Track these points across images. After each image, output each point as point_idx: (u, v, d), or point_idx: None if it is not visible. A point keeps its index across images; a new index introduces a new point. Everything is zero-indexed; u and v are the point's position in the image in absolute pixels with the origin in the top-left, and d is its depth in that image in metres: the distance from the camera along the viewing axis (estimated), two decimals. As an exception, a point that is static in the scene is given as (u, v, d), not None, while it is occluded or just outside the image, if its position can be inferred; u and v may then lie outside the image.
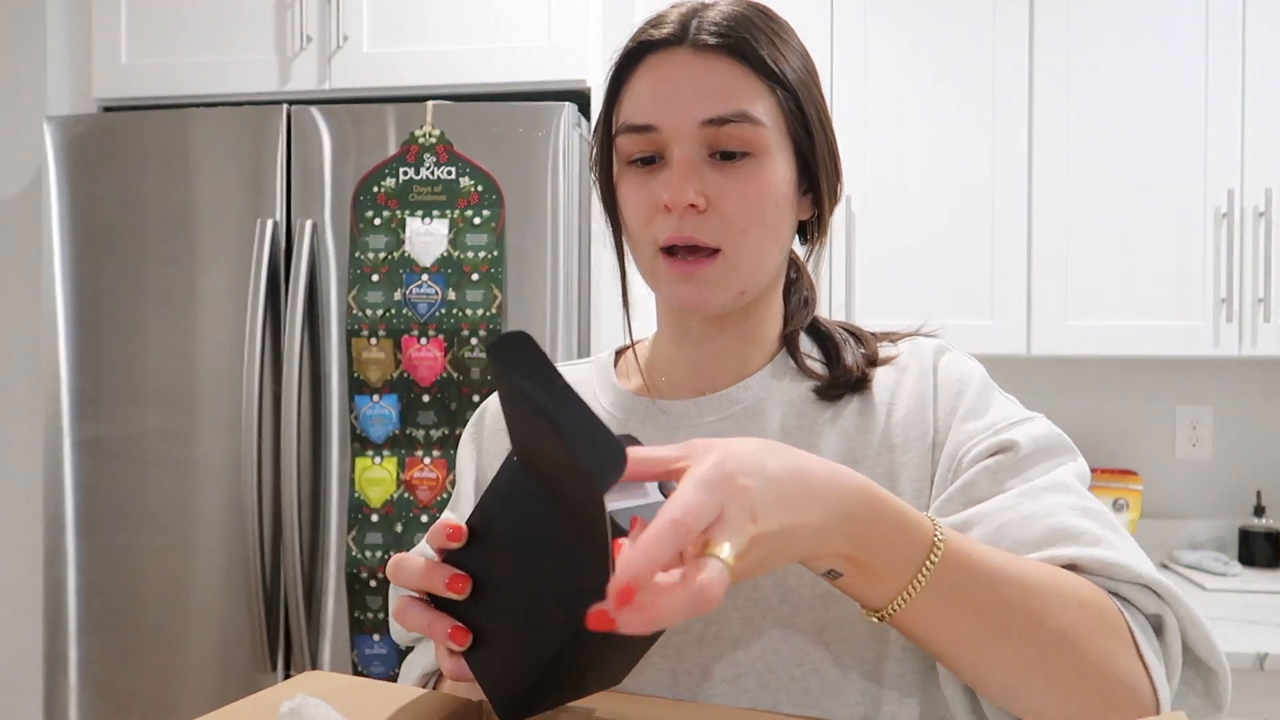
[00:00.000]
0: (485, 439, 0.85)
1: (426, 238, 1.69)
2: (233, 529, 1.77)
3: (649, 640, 0.57)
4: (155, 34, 1.93)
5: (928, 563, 0.56)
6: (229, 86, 1.91)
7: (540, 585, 0.53)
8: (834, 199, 0.78)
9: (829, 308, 2.07)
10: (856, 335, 0.82)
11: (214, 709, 0.59)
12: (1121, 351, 2.02)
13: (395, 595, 0.80)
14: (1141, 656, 0.59)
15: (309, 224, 1.74)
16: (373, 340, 1.70)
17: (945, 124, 2.08)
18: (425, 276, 1.69)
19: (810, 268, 0.82)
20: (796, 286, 0.83)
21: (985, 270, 2.06)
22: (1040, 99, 2.04)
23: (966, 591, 0.57)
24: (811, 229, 0.79)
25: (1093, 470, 2.22)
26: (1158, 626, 0.63)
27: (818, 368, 0.78)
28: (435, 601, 0.58)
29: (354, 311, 1.71)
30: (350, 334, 1.71)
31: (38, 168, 2.01)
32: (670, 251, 0.71)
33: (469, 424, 0.88)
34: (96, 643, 1.82)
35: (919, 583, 0.56)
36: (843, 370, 0.76)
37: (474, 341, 1.68)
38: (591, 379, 0.84)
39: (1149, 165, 2.02)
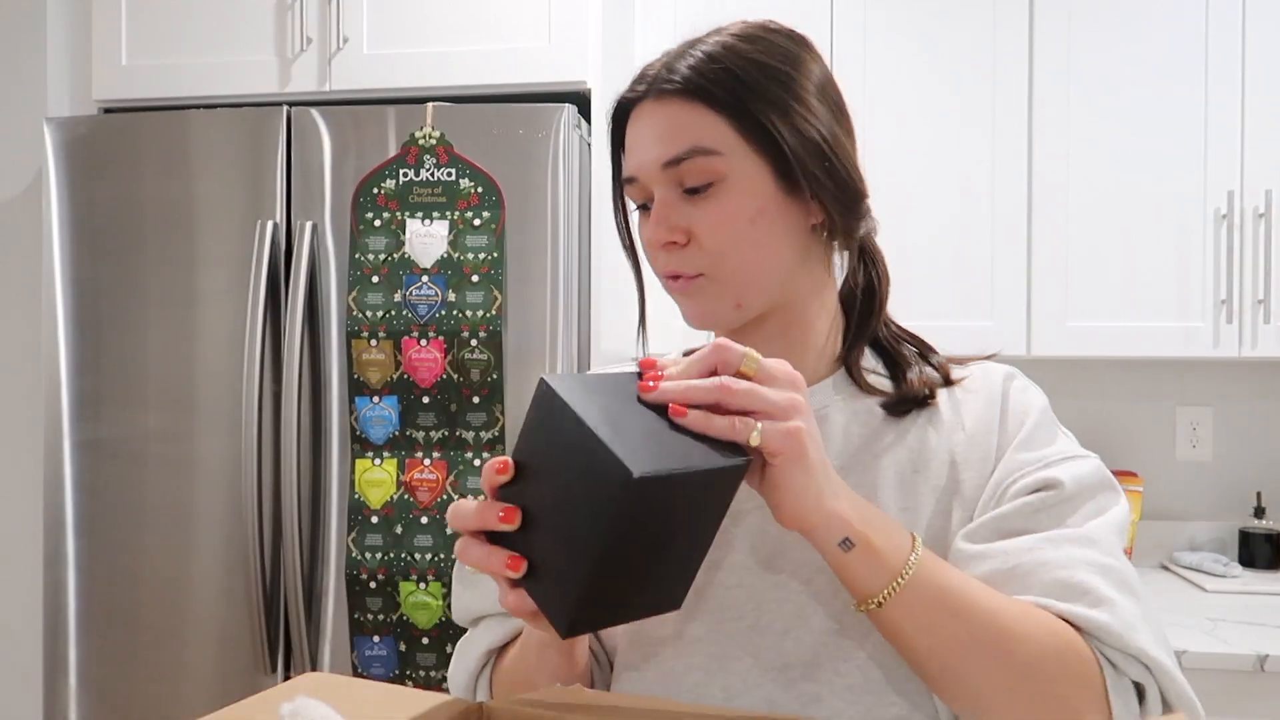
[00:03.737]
0: None
1: (426, 239, 1.69)
2: (233, 530, 1.77)
3: (690, 552, 0.61)
4: (155, 35, 1.93)
5: (909, 563, 0.63)
6: (229, 88, 1.91)
7: (575, 500, 0.57)
8: (843, 195, 0.75)
9: (829, 309, 2.08)
10: (926, 353, 0.82)
11: (214, 710, 0.59)
12: (1121, 353, 2.02)
13: (458, 575, 0.86)
14: (1111, 714, 0.64)
15: (309, 225, 1.74)
16: (373, 342, 1.70)
17: (945, 125, 2.08)
18: (425, 278, 1.69)
19: (840, 272, 0.82)
20: (870, 304, 0.82)
21: (985, 271, 2.06)
22: (1040, 100, 2.04)
23: (936, 607, 0.63)
24: (834, 231, 0.78)
25: (1093, 471, 2.22)
26: (1141, 694, 0.67)
27: (883, 384, 0.79)
28: (492, 539, 0.61)
29: (354, 313, 1.71)
30: (350, 335, 1.71)
31: (38, 169, 2.01)
32: (675, 278, 0.76)
33: None
34: (96, 644, 1.82)
35: (900, 582, 0.63)
36: (909, 387, 0.77)
37: (474, 343, 1.68)
38: None
39: (1149, 166, 2.02)
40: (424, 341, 1.68)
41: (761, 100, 0.72)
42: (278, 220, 1.77)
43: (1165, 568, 2.24)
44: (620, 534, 0.56)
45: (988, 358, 0.83)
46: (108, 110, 1.99)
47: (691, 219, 0.73)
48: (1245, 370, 2.30)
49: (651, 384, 0.59)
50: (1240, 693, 1.67)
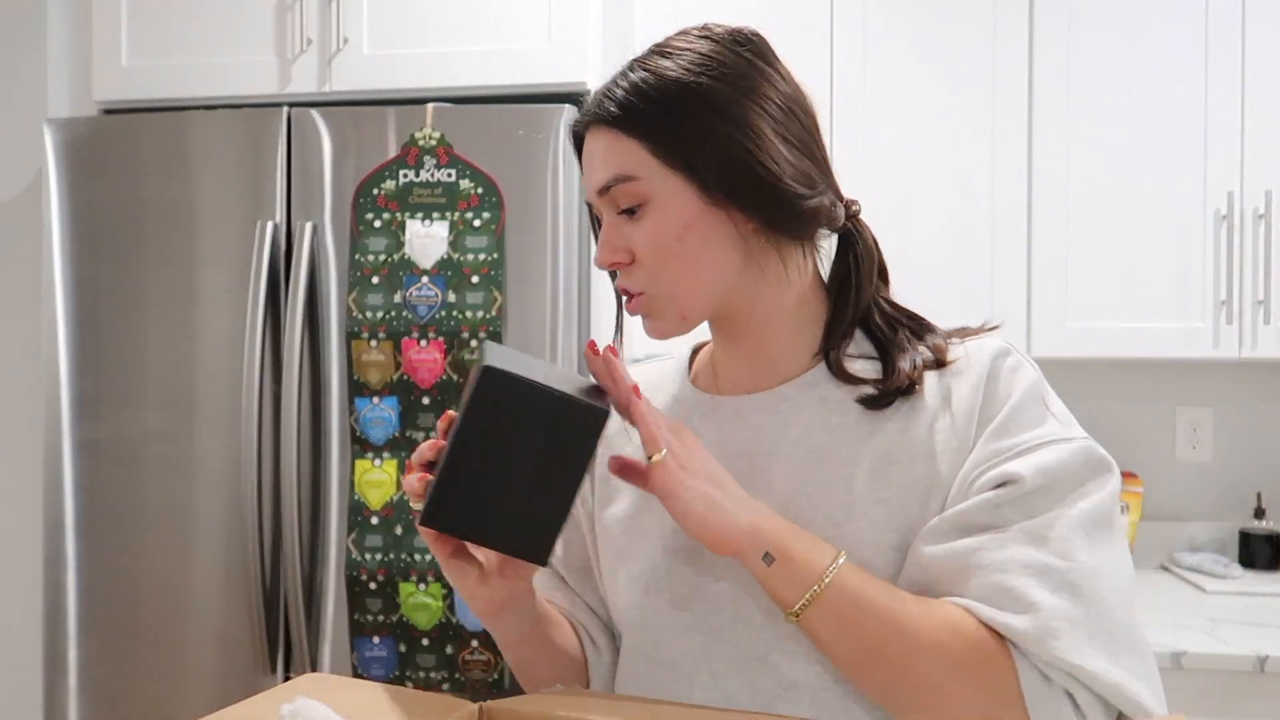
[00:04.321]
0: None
1: (426, 240, 1.69)
2: (232, 531, 1.77)
3: (548, 497, 0.70)
4: (155, 36, 1.94)
5: (826, 573, 0.68)
6: (229, 89, 1.91)
7: (462, 408, 0.71)
8: (769, 199, 0.75)
9: (829, 310, 2.07)
10: (920, 333, 0.82)
11: (214, 711, 0.59)
12: (1121, 353, 2.02)
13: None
14: (1021, 691, 0.67)
15: (309, 226, 1.74)
16: (373, 342, 1.70)
17: (945, 125, 2.08)
18: (425, 279, 1.69)
19: (793, 269, 0.81)
20: (846, 292, 0.82)
21: (985, 271, 2.06)
22: (1040, 100, 2.04)
23: (849, 617, 0.68)
24: (776, 232, 0.79)
25: (1093, 472, 2.22)
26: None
27: (869, 371, 0.79)
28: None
29: (354, 314, 1.71)
30: (350, 336, 1.71)
31: (38, 170, 2.01)
32: (627, 296, 0.82)
33: None
34: (96, 644, 1.82)
35: (817, 589, 0.68)
36: (890, 379, 0.77)
37: (474, 344, 1.68)
38: (670, 375, 0.91)
39: (1149, 167, 2.02)
40: (424, 342, 1.68)
41: (675, 123, 0.75)
42: (278, 221, 1.77)
43: (1165, 568, 2.24)
44: (476, 428, 0.69)
45: (992, 329, 0.84)
46: (108, 111, 1.99)
47: (631, 239, 0.77)
48: (1245, 371, 2.30)
49: (600, 360, 0.72)
50: (1240, 693, 1.67)
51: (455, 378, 1.68)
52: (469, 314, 1.68)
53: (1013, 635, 0.67)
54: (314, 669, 1.76)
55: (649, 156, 0.75)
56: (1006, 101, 2.05)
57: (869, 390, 0.78)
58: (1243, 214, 1.99)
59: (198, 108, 1.87)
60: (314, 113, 1.77)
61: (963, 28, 2.07)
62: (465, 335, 1.67)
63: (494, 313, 1.67)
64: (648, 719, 0.64)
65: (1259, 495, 2.23)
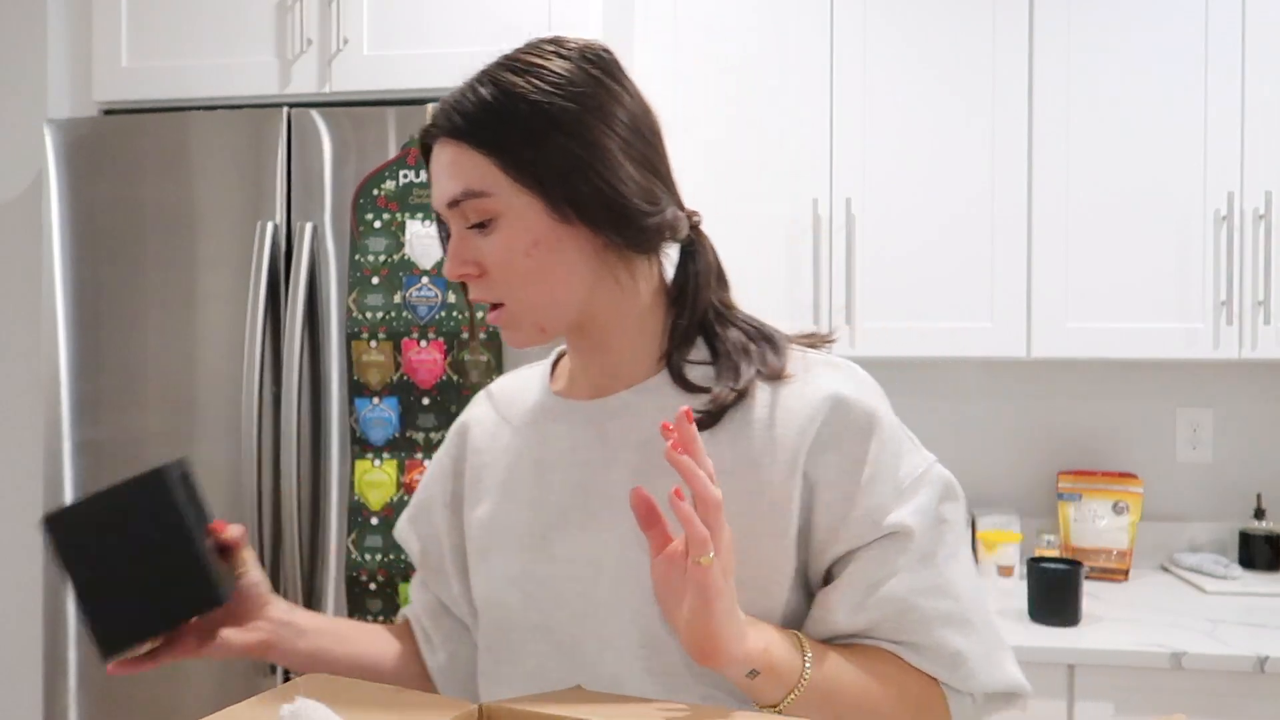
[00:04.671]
0: (447, 445, 0.97)
1: (427, 240, 1.69)
2: (232, 531, 1.77)
3: (174, 559, 0.80)
4: (156, 37, 1.94)
5: (803, 676, 0.73)
6: (229, 89, 1.91)
7: None
8: (614, 216, 0.78)
9: (829, 309, 2.08)
10: (760, 341, 0.84)
11: (214, 711, 0.59)
12: (1122, 354, 2.02)
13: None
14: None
15: (309, 227, 1.74)
16: (373, 343, 1.70)
17: (945, 126, 2.08)
18: (425, 279, 1.69)
19: (641, 280, 0.84)
20: (684, 300, 0.85)
21: (985, 273, 2.06)
22: (1040, 100, 2.04)
23: (825, 706, 0.74)
24: (624, 246, 0.81)
25: (1093, 473, 2.22)
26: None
27: (707, 378, 0.83)
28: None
29: (354, 314, 1.71)
30: (350, 337, 1.71)
31: (38, 170, 2.01)
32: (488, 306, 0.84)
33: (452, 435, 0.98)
34: (96, 645, 1.82)
35: (796, 693, 0.73)
36: (717, 396, 0.80)
37: (475, 345, 1.68)
38: (534, 380, 0.94)
39: (1149, 167, 2.02)
40: (424, 343, 1.68)
41: (525, 142, 0.76)
42: (278, 221, 1.77)
43: (1165, 569, 2.24)
44: (80, 566, 0.78)
45: (822, 340, 0.88)
46: (108, 112, 1.99)
47: (480, 253, 0.79)
48: (1245, 371, 2.30)
49: (677, 446, 0.68)
50: (1240, 694, 1.67)
51: (455, 378, 1.68)
52: (468, 315, 1.67)
53: (943, 679, 0.80)
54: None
55: (499, 173, 0.77)
56: (1006, 102, 2.05)
57: (701, 407, 0.80)
58: (1243, 214, 1.99)
59: (198, 108, 1.87)
60: (314, 113, 1.77)
61: (963, 28, 2.07)
62: (465, 336, 1.67)
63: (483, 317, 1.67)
64: (647, 719, 0.64)
65: (1259, 496, 2.23)
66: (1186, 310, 2.01)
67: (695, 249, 0.86)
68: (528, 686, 0.83)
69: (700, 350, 0.84)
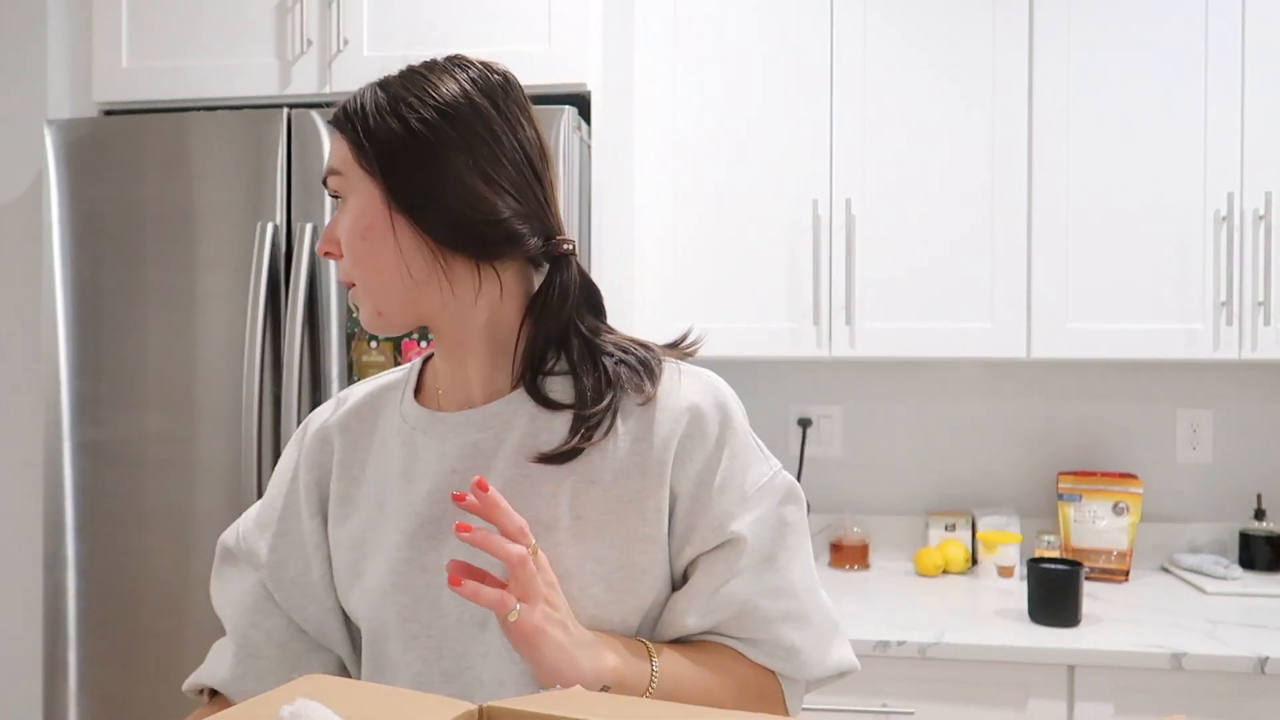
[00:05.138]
0: (305, 453, 0.96)
1: (427, 241, 1.69)
2: (232, 532, 1.77)
3: None
4: (156, 38, 1.94)
5: (652, 680, 0.81)
6: (229, 90, 1.91)
7: None
8: (445, 230, 0.82)
9: (828, 310, 2.07)
10: (632, 367, 0.86)
11: (214, 713, 0.59)
12: (1121, 355, 2.02)
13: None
14: (786, 706, 0.90)
15: (309, 227, 1.74)
16: (373, 343, 1.70)
17: (946, 127, 2.08)
18: (425, 280, 1.69)
19: (488, 289, 0.87)
20: (538, 315, 0.88)
21: (985, 273, 2.06)
22: (1040, 101, 2.04)
23: (676, 697, 0.82)
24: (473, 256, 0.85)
25: (1093, 473, 2.22)
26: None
27: (566, 394, 0.86)
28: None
29: (354, 314, 1.71)
30: (350, 337, 1.71)
31: (38, 171, 2.01)
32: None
33: (298, 432, 0.99)
34: (96, 646, 1.82)
35: (649, 694, 0.80)
36: (569, 441, 0.84)
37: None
38: (395, 388, 0.96)
39: (1148, 168, 2.02)
40: (424, 343, 1.68)
41: (375, 137, 0.83)
42: (278, 222, 1.77)
43: (1165, 570, 2.24)
44: None
45: (686, 351, 0.91)
46: (108, 112, 1.99)
47: (337, 230, 0.86)
48: (1245, 372, 2.30)
49: (469, 504, 0.75)
50: (1241, 695, 1.67)
51: (455, 379, 1.68)
52: (469, 315, 1.68)
53: (781, 671, 0.88)
54: (314, 670, 1.75)
55: (351, 158, 0.84)
56: (1006, 102, 2.06)
57: (554, 449, 0.84)
58: (1243, 215, 1.99)
59: (198, 109, 1.87)
60: (314, 114, 1.77)
61: (963, 28, 2.07)
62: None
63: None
64: (648, 719, 0.64)
65: (1259, 496, 2.23)
66: (1187, 311, 2.01)
67: (559, 272, 0.88)
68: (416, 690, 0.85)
69: (562, 370, 0.87)
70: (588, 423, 0.83)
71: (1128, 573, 2.13)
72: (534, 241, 0.86)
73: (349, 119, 0.85)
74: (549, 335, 0.87)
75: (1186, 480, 2.31)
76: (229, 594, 0.96)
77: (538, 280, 0.90)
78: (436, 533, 0.86)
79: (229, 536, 0.97)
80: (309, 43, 1.87)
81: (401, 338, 1.69)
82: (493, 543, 0.74)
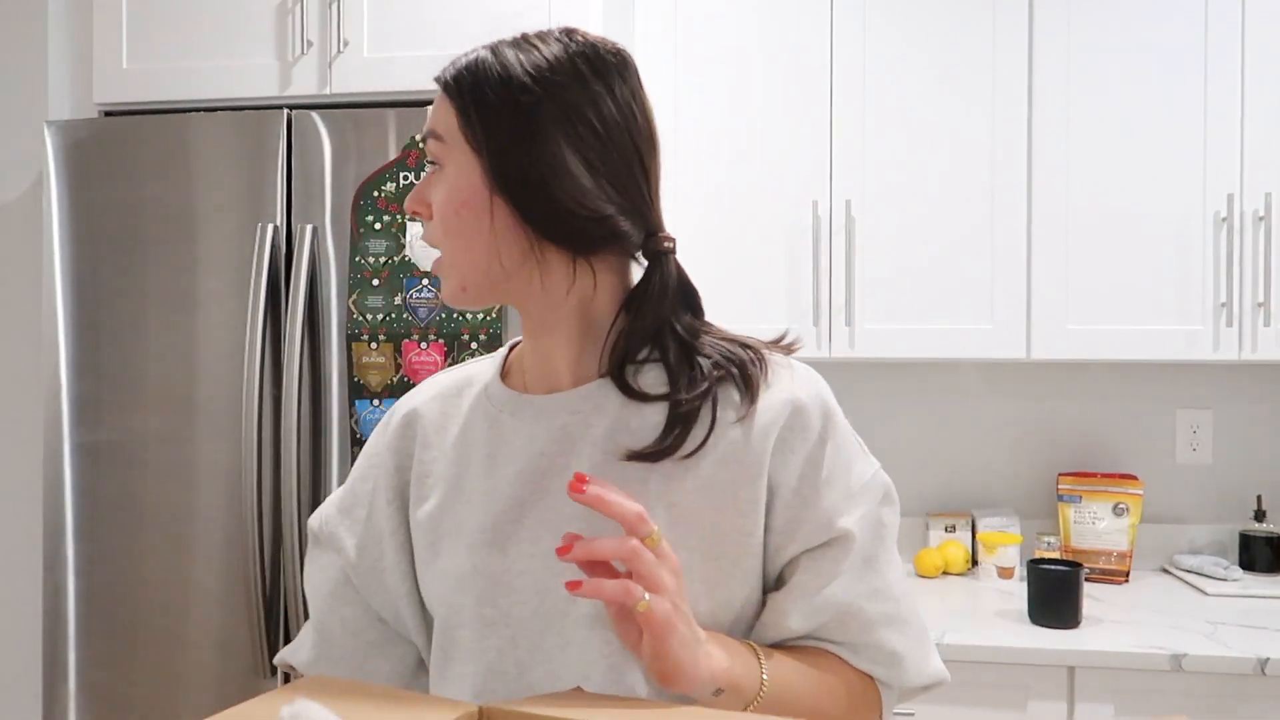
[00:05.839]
0: (388, 438, 0.93)
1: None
2: (232, 533, 1.77)
3: None
4: (156, 39, 1.94)
5: (762, 687, 0.77)
6: (230, 91, 1.91)
7: None
8: (541, 215, 0.79)
9: (828, 311, 2.07)
10: (732, 364, 0.83)
11: (214, 713, 0.59)
12: (1121, 356, 2.02)
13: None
14: (882, 712, 0.87)
15: (309, 228, 1.74)
16: (373, 345, 1.70)
17: (946, 128, 2.08)
18: (425, 281, 1.69)
19: (582, 278, 0.84)
20: (634, 310, 0.85)
21: (985, 274, 2.06)
22: (1040, 101, 2.05)
23: (783, 708, 0.78)
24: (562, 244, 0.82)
25: (1093, 474, 2.22)
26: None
27: (658, 387, 0.83)
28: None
29: (354, 316, 1.71)
30: (350, 338, 1.71)
31: (38, 172, 2.01)
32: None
33: (384, 427, 0.95)
34: (95, 647, 1.82)
35: (758, 700, 0.76)
36: (661, 440, 0.80)
37: (474, 346, 1.68)
38: (484, 371, 0.93)
39: (1148, 169, 2.02)
40: (424, 344, 1.69)
41: (482, 107, 0.80)
42: (278, 223, 1.77)
43: (1165, 571, 2.24)
44: None
45: (789, 348, 0.89)
46: (108, 113, 1.99)
47: (431, 194, 0.83)
48: (1245, 373, 2.30)
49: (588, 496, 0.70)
50: (1241, 696, 1.67)
51: (455, 380, 1.68)
52: (469, 316, 1.68)
53: (881, 677, 0.85)
54: (314, 671, 1.75)
55: (456, 127, 0.81)
56: (1006, 102, 2.06)
57: (649, 429, 0.81)
58: (1242, 216, 1.99)
59: (198, 110, 1.87)
60: (314, 115, 1.77)
61: (963, 28, 2.07)
62: (465, 338, 1.68)
63: (494, 315, 1.67)
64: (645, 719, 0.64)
65: (1259, 498, 2.23)
66: (1186, 312, 2.01)
67: (657, 268, 0.86)
68: (484, 683, 0.82)
69: (654, 360, 0.84)
70: (681, 422, 0.80)
71: (1128, 574, 2.13)
72: (635, 238, 0.83)
73: (458, 85, 0.82)
74: (643, 332, 0.84)
75: (1186, 481, 2.31)
76: (313, 579, 0.94)
77: (634, 273, 0.87)
78: (519, 516, 0.83)
79: (314, 521, 0.96)
80: (309, 44, 1.87)
81: (401, 339, 1.69)
82: (597, 547, 0.69)
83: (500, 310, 1.67)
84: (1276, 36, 1.99)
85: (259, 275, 1.73)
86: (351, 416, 1.71)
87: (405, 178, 1.71)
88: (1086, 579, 2.13)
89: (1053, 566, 1.86)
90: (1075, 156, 2.04)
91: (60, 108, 2.01)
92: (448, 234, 0.81)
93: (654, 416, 0.82)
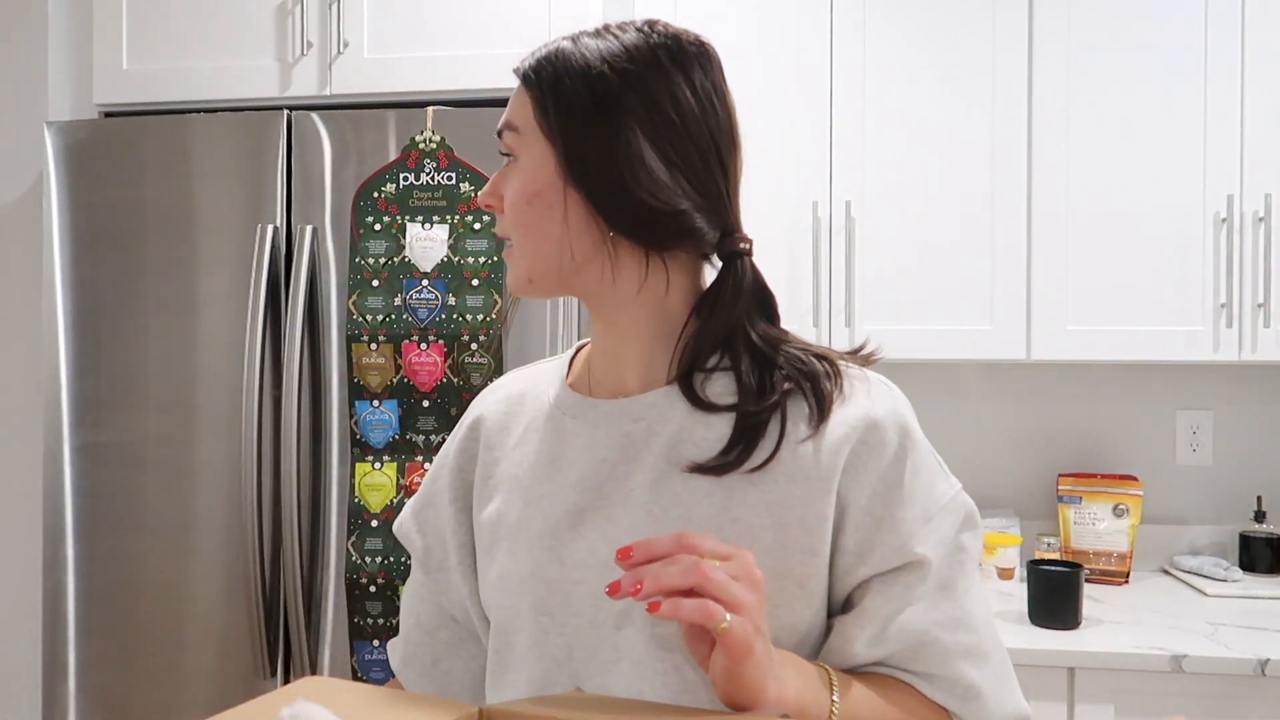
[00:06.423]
0: (458, 441, 0.93)
1: (426, 243, 1.69)
2: (232, 534, 1.77)
3: None
4: (156, 39, 1.94)
5: (832, 715, 0.72)
6: (230, 92, 1.91)
7: None
8: (617, 208, 0.78)
9: (828, 312, 2.07)
10: (805, 377, 0.80)
11: (213, 714, 0.59)
12: (1121, 356, 2.02)
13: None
14: None
15: (309, 229, 1.74)
16: (373, 345, 1.70)
17: (946, 129, 2.08)
18: (425, 282, 1.69)
19: (654, 277, 0.82)
20: (705, 313, 0.82)
21: (985, 275, 2.06)
22: (1040, 102, 2.05)
23: None
24: (635, 239, 0.80)
25: (1093, 475, 2.22)
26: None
27: (726, 397, 0.80)
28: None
29: (354, 317, 1.71)
30: (350, 339, 1.71)
31: (38, 173, 2.01)
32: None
33: (462, 429, 0.94)
34: (96, 648, 1.82)
35: None
36: (726, 453, 0.77)
37: (474, 347, 1.68)
38: (550, 373, 0.92)
39: (1148, 170, 2.02)
40: (424, 345, 1.68)
41: (558, 97, 0.78)
42: (278, 224, 1.77)
43: (1165, 571, 2.24)
44: None
45: (868, 359, 0.84)
46: (108, 114, 1.99)
47: (504, 186, 0.82)
48: (1245, 374, 2.30)
49: (628, 582, 0.65)
50: (1241, 697, 1.67)
51: (455, 381, 1.68)
52: (469, 317, 1.68)
53: (956, 710, 0.80)
54: (314, 672, 1.76)
55: (531, 117, 0.80)
56: (1006, 103, 2.06)
57: (715, 439, 0.78)
58: (1242, 217, 1.99)
59: (198, 111, 1.87)
60: (314, 116, 1.77)
61: (963, 29, 2.07)
62: (465, 338, 1.68)
63: (494, 316, 1.67)
64: (648, 722, 0.64)
65: (1259, 498, 2.23)
66: (1186, 313, 2.01)
67: (731, 271, 0.83)
68: (535, 693, 0.81)
69: (725, 368, 0.81)
70: (747, 435, 0.77)
71: (1128, 575, 2.13)
72: (710, 236, 0.81)
73: (537, 75, 0.80)
74: (715, 336, 0.81)
75: (1186, 482, 2.31)
76: (407, 580, 0.97)
77: (706, 274, 0.85)
78: (578, 523, 0.80)
79: (395, 523, 0.97)
80: (309, 44, 1.88)
81: (401, 340, 1.69)
82: (659, 578, 0.65)
83: (500, 310, 1.67)
84: (1276, 36, 1.99)
85: (259, 276, 1.74)
86: (351, 417, 1.71)
87: (405, 178, 1.71)
88: (1086, 580, 2.13)
89: (1053, 567, 1.86)
90: (1075, 156, 2.04)
91: (60, 108, 2.01)
92: (518, 224, 0.80)
93: (721, 427, 0.79)
